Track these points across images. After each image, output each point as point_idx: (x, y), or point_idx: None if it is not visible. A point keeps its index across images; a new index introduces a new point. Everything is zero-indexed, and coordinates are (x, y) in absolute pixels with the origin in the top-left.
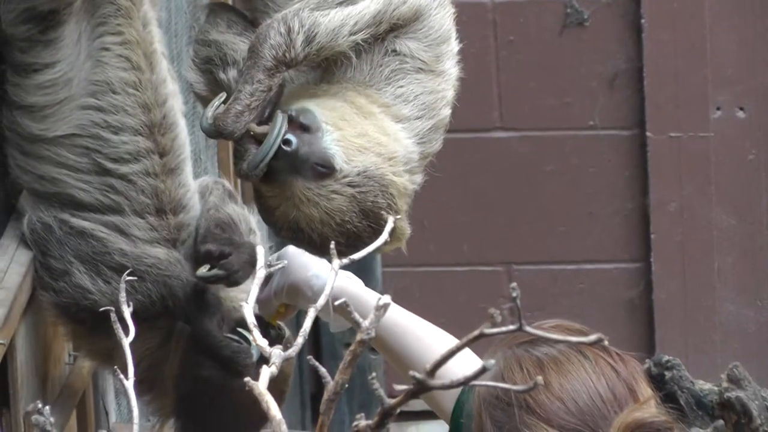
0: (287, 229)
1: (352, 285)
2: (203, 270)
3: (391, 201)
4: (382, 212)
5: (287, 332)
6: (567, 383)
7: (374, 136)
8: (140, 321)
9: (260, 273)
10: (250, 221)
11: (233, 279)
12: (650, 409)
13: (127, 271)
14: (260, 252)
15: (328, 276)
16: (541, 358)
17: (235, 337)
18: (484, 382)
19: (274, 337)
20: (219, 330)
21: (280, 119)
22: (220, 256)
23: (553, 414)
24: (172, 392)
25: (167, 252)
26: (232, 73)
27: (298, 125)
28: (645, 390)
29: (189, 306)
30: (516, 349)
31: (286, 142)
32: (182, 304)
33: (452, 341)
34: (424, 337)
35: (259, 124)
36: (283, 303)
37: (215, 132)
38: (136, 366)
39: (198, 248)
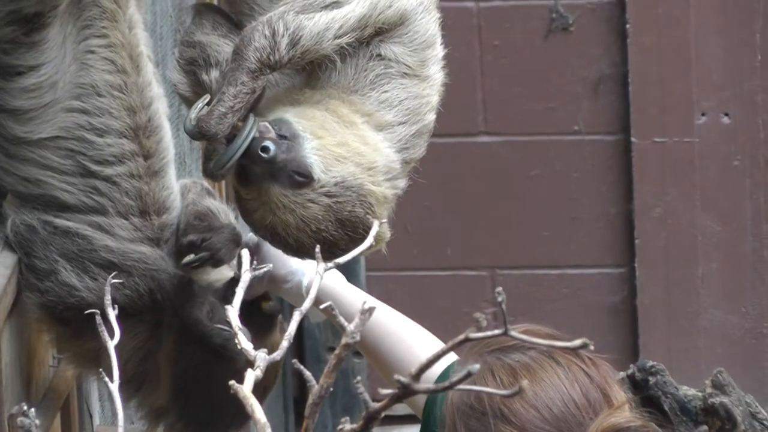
0: (265, 232)
1: (333, 281)
2: (188, 258)
3: (369, 210)
4: (361, 222)
5: (278, 306)
6: (541, 390)
7: (354, 146)
8: (127, 317)
9: (245, 276)
10: (229, 213)
11: (218, 257)
12: (625, 413)
13: (113, 274)
14: (245, 255)
15: (305, 272)
16: (513, 365)
17: (225, 327)
18: (468, 387)
19: (269, 311)
20: (209, 319)
21: (251, 122)
22: (202, 243)
23: (528, 422)
24: (168, 374)
25: (152, 250)
26: (215, 74)
27: (277, 136)
28: (619, 394)
29: (178, 297)
30: (488, 357)
31: (264, 149)
32: (171, 297)
33: (434, 342)
34: (407, 339)
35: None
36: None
37: (198, 134)
38: (124, 365)
39: (180, 241)
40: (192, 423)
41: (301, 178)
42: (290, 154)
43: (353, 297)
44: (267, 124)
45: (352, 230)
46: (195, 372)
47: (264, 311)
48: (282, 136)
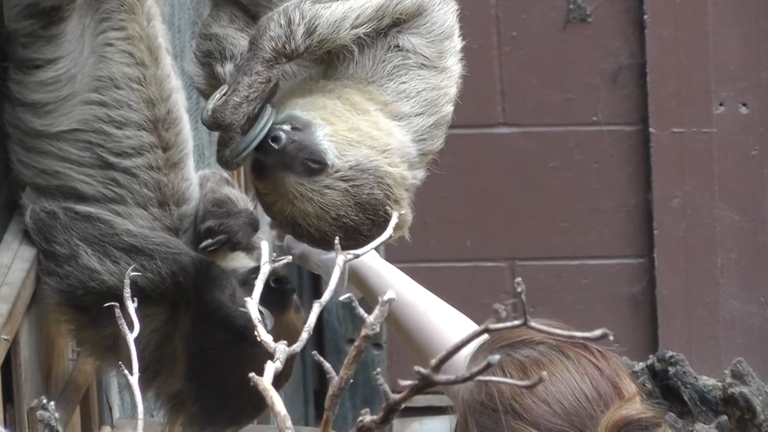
0: (286, 225)
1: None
2: (206, 242)
3: (388, 191)
4: (381, 204)
5: (293, 284)
6: (551, 385)
7: (366, 130)
8: (147, 300)
9: (264, 268)
10: (248, 201)
11: (235, 240)
12: (636, 405)
13: (132, 266)
14: (264, 247)
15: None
16: (522, 361)
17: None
18: (489, 377)
19: (283, 290)
20: (231, 302)
21: (269, 112)
22: (220, 228)
23: (540, 417)
24: (184, 354)
25: (172, 237)
26: (229, 67)
27: (289, 126)
28: (629, 386)
29: (200, 279)
30: (496, 353)
31: (275, 139)
32: (193, 279)
33: (463, 321)
34: (436, 319)
35: (251, 118)
36: None
37: (214, 124)
38: (141, 351)
39: (199, 228)
40: (206, 406)
41: (315, 164)
42: (302, 143)
43: (383, 269)
44: (277, 126)
45: (373, 213)
46: (211, 353)
47: (279, 282)
48: (294, 128)
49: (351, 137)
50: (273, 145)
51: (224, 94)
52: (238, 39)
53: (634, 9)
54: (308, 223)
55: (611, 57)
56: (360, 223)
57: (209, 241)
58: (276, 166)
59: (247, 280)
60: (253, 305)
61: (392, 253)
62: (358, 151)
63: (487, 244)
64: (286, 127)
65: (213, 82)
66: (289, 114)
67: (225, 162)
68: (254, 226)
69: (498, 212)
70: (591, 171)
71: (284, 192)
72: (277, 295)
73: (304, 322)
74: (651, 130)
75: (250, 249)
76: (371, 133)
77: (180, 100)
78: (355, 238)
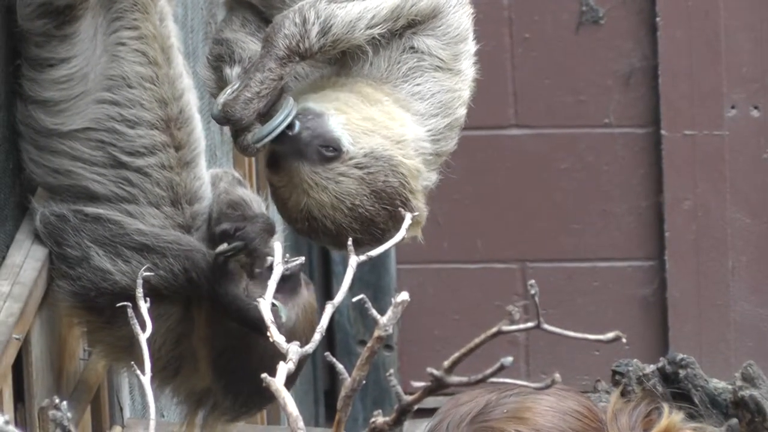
0: (301, 220)
1: None
2: (222, 247)
3: (403, 180)
4: (397, 193)
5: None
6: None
7: (380, 120)
8: (160, 298)
9: (277, 269)
10: (261, 203)
11: (251, 247)
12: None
13: (145, 266)
14: (277, 247)
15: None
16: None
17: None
18: (502, 379)
19: (290, 275)
20: (245, 295)
21: (290, 102)
22: (236, 232)
23: None
24: (205, 356)
25: (184, 235)
26: (237, 70)
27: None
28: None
29: (214, 274)
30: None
31: (290, 126)
32: (206, 274)
33: None
34: None
35: (265, 114)
36: None
37: (224, 118)
38: (158, 350)
39: (213, 230)
40: (239, 396)
41: (330, 152)
42: (316, 130)
43: None
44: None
45: (389, 203)
46: (233, 350)
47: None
48: (308, 117)
49: (365, 126)
50: (288, 132)
51: (235, 90)
52: (248, 43)
53: (646, 11)
54: (324, 215)
55: (623, 59)
56: (376, 214)
57: (225, 246)
58: (291, 156)
59: (258, 276)
60: (265, 306)
61: (404, 255)
62: (372, 139)
63: (498, 246)
64: (301, 117)
65: (223, 85)
66: (303, 106)
67: (245, 147)
68: (270, 232)
69: (509, 214)
70: (602, 173)
71: (299, 182)
72: (284, 279)
73: (320, 312)
74: (663, 132)
75: None
76: (385, 123)
77: (192, 100)
78: (370, 231)
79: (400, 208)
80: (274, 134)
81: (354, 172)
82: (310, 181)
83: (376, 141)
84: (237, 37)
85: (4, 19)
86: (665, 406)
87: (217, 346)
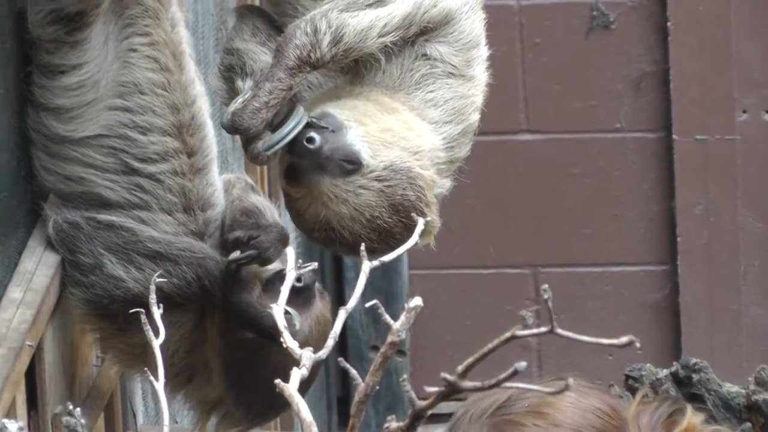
0: (319, 230)
1: None
2: (235, 254)
3: (420, 193)
4: (413, 206)
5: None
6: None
7: (398, 131)
8: (173, 306)
9: (290, 275)
10: (274, 210)
11: (265, 257)
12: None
13: (158, 272)
14: (290, 254)
15: None
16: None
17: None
18: (515, 384)
19: (304, 286)
20: (259, 302)
21: (301, 110)
22: (249, 240)
23: None
24: (218, 366)
25: (197, 242)
26: (249, 83)
27: (321, 127)
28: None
29: (227, 282)
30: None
31: (310, 140)
32: (219, 282)
33: None
34: None
35: (278, 124)
36: None
37: (232, 127)
38: (170, 357)
39: (226, 237)
40: (252, 407)
41: (350, 165)
42: (336, 143)
43: None
44: (310, 120)
45: (406, 216)
46: (245, 361)
47: (299, 279)
48: (327, 129)
49: (384, 137)
50: (308, 146)
51: (245, 100)
52: (258, 54)
53: (657, 16)
54: (342, 226)
55: (634, 64)
56: (393, 225)
57: (237, 254)
58: (310, 169)
59: (267, 286)
60: (279, 312)
61: (416, 260)
62: (391, 152)
63: (510, 251)
64: (319, 129)
65: (234, 95)
66: (323, 111)
67: (255, 155)
68: (284, 242)
69: (521, 219)
70: (614, 178)
71: (318, 195)
72: (299, 290)
73: (332, 322)
74: (674, 137)
75: None
76: (403, 133)
77: (204, 106)
78: (387, 242)
79: (419, 213)
80: (284, 142)
81: (374, 185)
82: (330, 194)
83: (395, 153)
84: (248, 48)
85: (16, 25)
86: (688, 408)
87: (229, 358)
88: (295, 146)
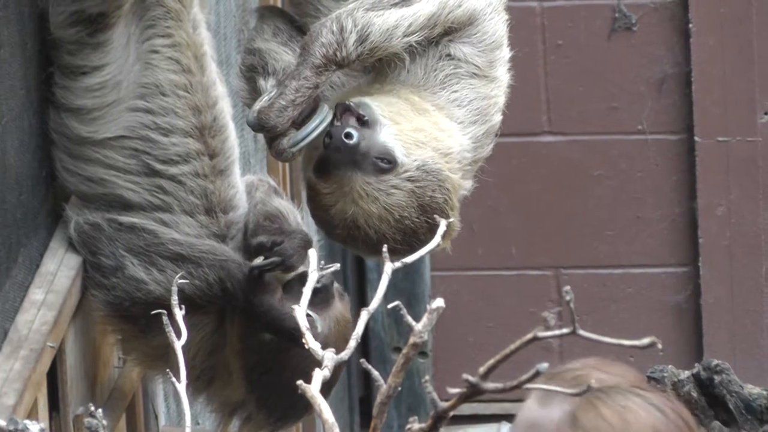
0: (343, 227)
1: None
2: (258, 260)
3: (447, 196)
4: (440, 208)
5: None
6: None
7: (430, 131)
8: (194, 309)
9: (312, 276)
10: (297, 215)
11: (289, 264)
12: None
13: (180, 273)
14: (312, 255)
15: None
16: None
17: None
18: (537, 385)
19: (322, 286)
20: (280, 305)
21: (326, 108)
22: (273, 246)
23: None
24: (238, 369)
25: (219, 244)
26: (272, 82)
27: (356, 118)
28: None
29: (249, 284)
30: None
31: (348, 135)
32: (241, 284)
33: None
34: None
35: (301, 122)
36: None
37: (258, 125)
38: (191, 360)
39: (249, 242)
40: (274, 410)
41: (385, 163)
42: (372, 141)
43: None
44: (348, 104)
45: (431, 217)
46: (266, 363)
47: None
48: (362, 121)
49: (417, 137)
50: (346, 141)
51: (271, 97)
52: (280, 54)
53: (679, 17)
54: (369, 225)
55: (656, 66)
56: (419, 226)
57: (261, 261)
58: (345, 164)
59: (287, 288)
60: (300, 313)
61: (438, 262)
62: (423, 152)
63: (532, 253)
64: (355, 124)
65: (256, 95)
66: (360, 100)
67: (281, 151)
68: (307, 248)
69: (543, 220)
70: (636, 180)
71: (349, 191)
72: (316, 291)
73: (353, 322)
74: (696, 138)
75: None
76: (435, 134)
77: (226, 108)
78: (410, 243)
79: (443, 214)
80: (309, 139)
81: (406, 185)
82: (362, 191)
83: (427, 154)
84: (269, 47)
85: (37, 26)
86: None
87: (249, 360)
88: (331, 140)
